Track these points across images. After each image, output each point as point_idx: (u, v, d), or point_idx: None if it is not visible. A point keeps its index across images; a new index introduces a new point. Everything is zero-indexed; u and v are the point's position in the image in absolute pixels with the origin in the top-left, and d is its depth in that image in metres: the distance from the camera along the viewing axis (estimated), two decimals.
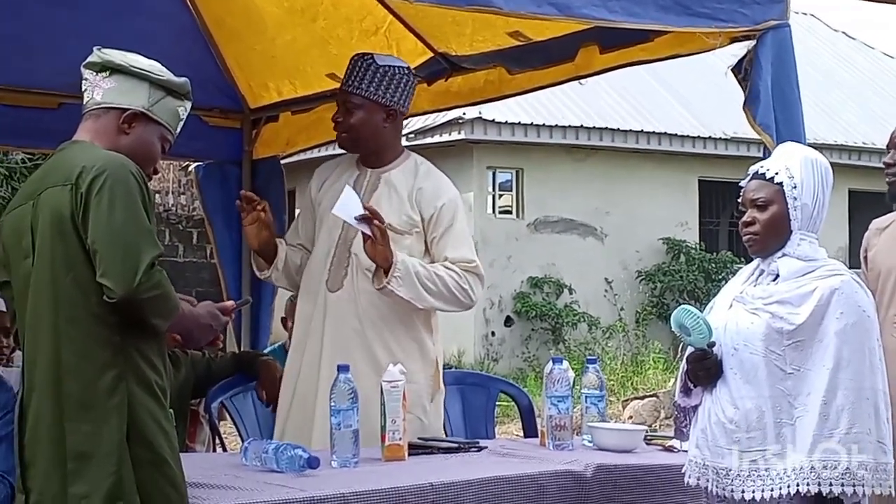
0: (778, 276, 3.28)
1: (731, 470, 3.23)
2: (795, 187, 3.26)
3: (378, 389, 3.79)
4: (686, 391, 3.42)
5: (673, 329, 3.34)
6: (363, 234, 4.13)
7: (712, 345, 3.28)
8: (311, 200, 4.55)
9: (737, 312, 3.30)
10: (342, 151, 4.57)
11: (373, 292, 4.26)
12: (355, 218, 4.10)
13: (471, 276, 4.31)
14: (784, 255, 3.28)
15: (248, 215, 4.39)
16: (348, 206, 4.12)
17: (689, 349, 3.35)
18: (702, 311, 3.34)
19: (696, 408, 3.40)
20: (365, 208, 4.12)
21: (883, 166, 4.27)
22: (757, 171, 3.34)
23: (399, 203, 4.34)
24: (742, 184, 3.38)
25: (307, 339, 4.33)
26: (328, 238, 4.38)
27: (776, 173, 3.28)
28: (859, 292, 3.22)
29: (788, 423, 3.17)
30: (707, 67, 13.88)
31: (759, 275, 3.35)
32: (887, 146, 4.17)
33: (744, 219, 3.33)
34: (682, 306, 3.32)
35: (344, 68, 4.52)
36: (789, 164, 3.30)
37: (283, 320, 5.58)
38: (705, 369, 3.30)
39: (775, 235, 3.28)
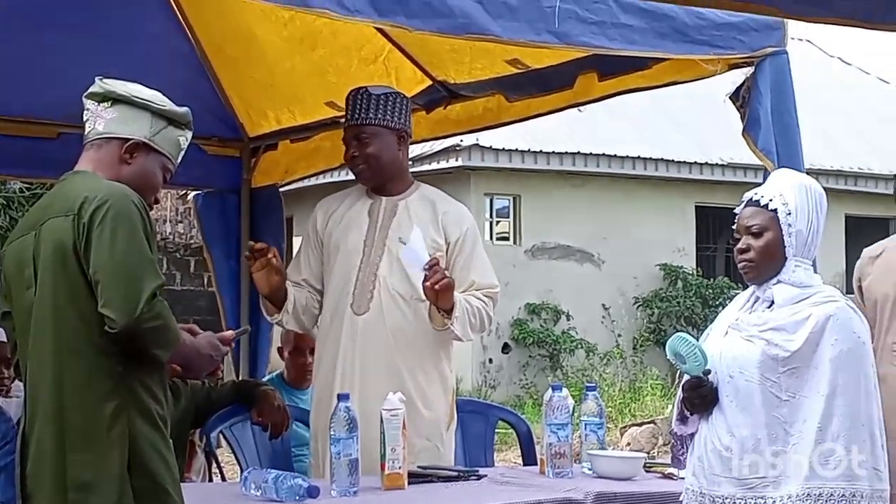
0: (773, 302, 3.28)
1: (727, 498, 3.23)
2: (790, 214, 3.26)
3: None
4: (682, 419, 3.41)
5: (668, 357, 3.34)
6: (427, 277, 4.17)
7: (708, 372, 3.27)
8: (318, 234, 4.51)
9: (732, 340, 3.30)
10: (342, 179, 4.58)
11: (400, 317, 4.30)
12: (424, 267, 4.13)
13: (492, 302, 4.43)
14: (779, 281, 3.28)
15: (257, 262, 4.35)
16: (416, 251, 4.16)
17: (686, 377, 3.35)
18: (698, 338, 3.34)
19: (692, 436, 3.40)
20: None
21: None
22: (751, 198, 3.34)
23: (422, 228, 4.35)
24: (737, 210, 3.38)
25: (337, 363, 4.29)
26: (347, 263, 4.36)
27: (770, 200, 3.29)
28: (854, 318, 3.22)
29: (784, 451, 3.16)
30: (705, 93, 13.92)
31: (755, 302, 3.35)
32: None
33: (739, 246, 3.33)
34: (678, 334, 3.32)
35: (343, 97, 4.54)
36: (783, 190, 3.30)
37: (280, 350, 5.56)
38: (701, 397, 3.30)
39: (770, 262, 3.28)
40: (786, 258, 3.27)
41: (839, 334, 3.16)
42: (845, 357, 3.15)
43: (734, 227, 3.37)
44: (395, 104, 4.41)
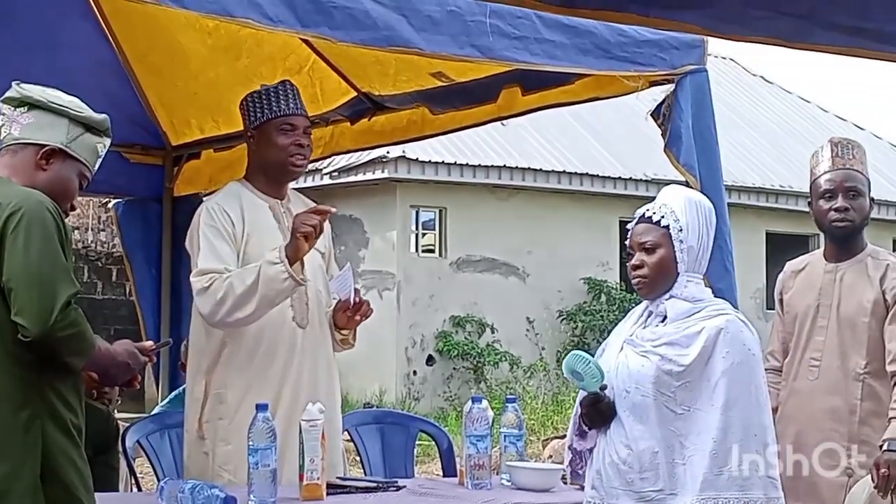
0: (666, 317, 3.33)
1: None
2: (682, 230, 3.31)
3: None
4: (581, 434, 3.45)
5: (565, 375, 3.38)
6: (342, 302, 4.22)
7: (604, 388, 3.32)
8: (234, 230, 4.18)
9: (627, 355, 3.34)
10: None
11: (326, 324, 4.31)
12: (350, 296, 4.21)
13: None
14: (671, 296, 3.33)
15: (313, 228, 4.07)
16: (346, 284, 4.22)
17: (582, 393, 3.38)
18: (593, 354, 3.38)
19: (591, 450, 3.43)
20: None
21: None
22: (643, 215, 3.39)
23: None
24: (629, 227, 3.43)
25: (287, 378, 4.17)
26: None
27: (662, 216, 3.34)
28: (744, 331, 3.28)
29: (681, 463, 3.21)
30: (628, 109, 14.05)
31: (648, 317, 3.40)
32: (833, 191, 4.17)
33: (632, 262, 3.38)
34: (573, 352, 3.37)
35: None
36: (674, 206, 3.35)
37: (183, 365, 5.44)
38: (599, 412, 3.34)
39: (663, 278, 3.33)
40: (678, 273, 3.32)
41: (730, 347, 3.22)
42: (737, 369, 3.20)
43: (627, 243, 3.42)
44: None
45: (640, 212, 3.41)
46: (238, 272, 4.07)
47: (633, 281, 3.39)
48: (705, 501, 3.14)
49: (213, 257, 4.13)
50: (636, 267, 3.36)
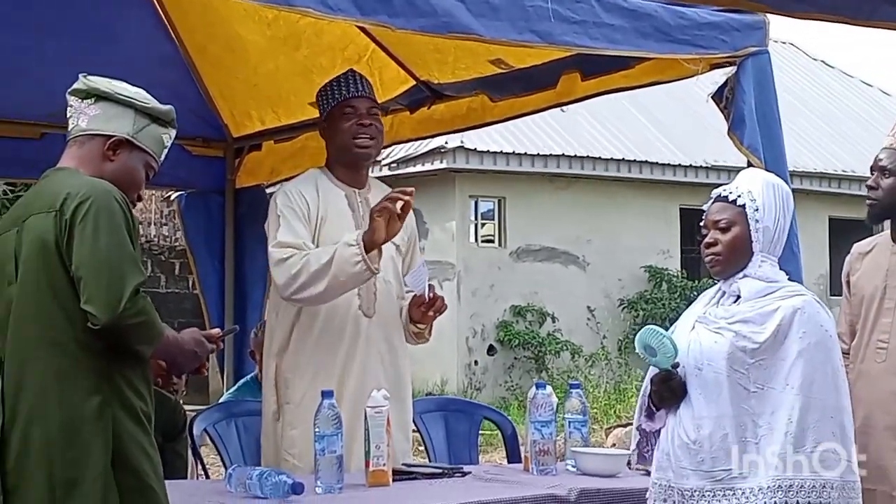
0: (739, 296, 3.30)
1: (695, 490, 3.22)
2: (758, 210, 3.29)
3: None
4: (649, 414, 3.41)
5: (637, 350, 3.34)
6: (417, 297, 4.24)
7: (677, 365, 3.28)
8: (308, 212, 4.21)
9: (699, 333, 3.31)
10: None
11: (397, 315, 4.33)
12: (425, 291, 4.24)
13: None
14: (745, 275, 3.30)
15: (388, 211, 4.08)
16: (421, 279, 4.25)
17: (653, 371, 3.35)
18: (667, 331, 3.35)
19: (658, 432, 3.39)
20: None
21: (865, 192, 4.28)
22: (720, 194, 3.37)
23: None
24: (705, 206, 3.41)
25: (347, 363, 4.20)
26: None
27: (739, 196, 3.32)
28: (821, 312, 3.25)
29: (753, 442, 3.17)
30: (687, 95, 13.95)
31: (721, 296, 3.37)
32: (871, 168, 4.20)
33: (706, 240, 3.36)
34: (648, 326, 3.33)
35: None
36: (752, 187, 3.34)
37: (251, 353, 5.49)
38: (671, 390, 3.30)
39: (737, 256, 3.31)
40: (752, 253, 3.30)
41: (807, 327, 3.19)
42: (813, 349, 3.17)
43: (702, 222, 3.39)
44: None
45: (716, 192, 3.39)
46: (317, 250, 4.10)
47: (706, 259, 3.36)
48: (781, 482, 3.10)
49: (290, 233, 4.16)
50: (709, 244, 3.34)
